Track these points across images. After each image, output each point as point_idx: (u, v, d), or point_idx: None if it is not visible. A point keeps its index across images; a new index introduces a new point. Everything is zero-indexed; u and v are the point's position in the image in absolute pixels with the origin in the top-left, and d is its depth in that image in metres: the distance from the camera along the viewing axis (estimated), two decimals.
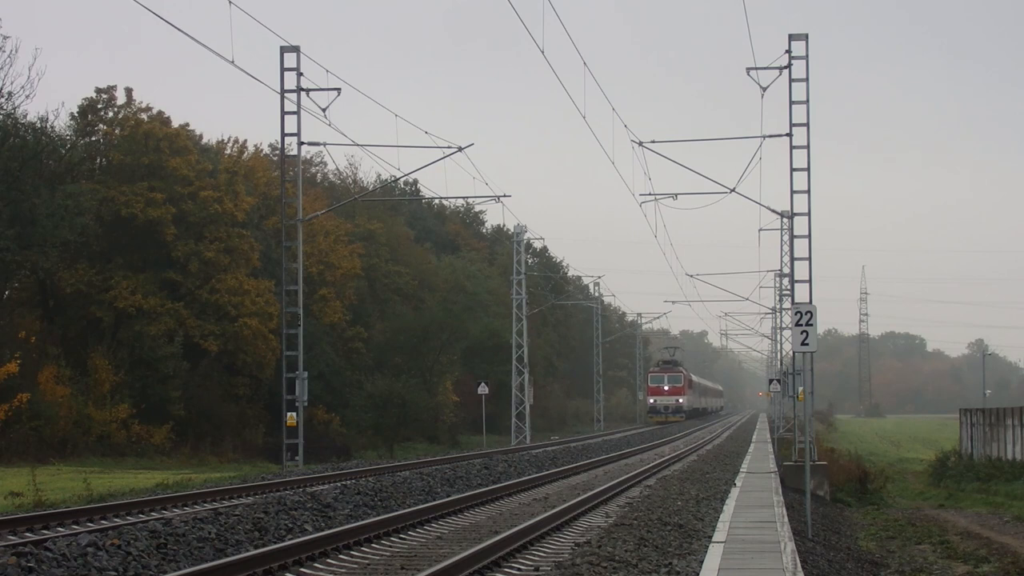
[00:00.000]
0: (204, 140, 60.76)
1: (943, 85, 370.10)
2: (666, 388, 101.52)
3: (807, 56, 35.25)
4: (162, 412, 48.64)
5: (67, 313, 51.18)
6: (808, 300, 34.72)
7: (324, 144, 44.10)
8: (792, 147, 35.49)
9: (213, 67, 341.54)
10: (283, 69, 39.57)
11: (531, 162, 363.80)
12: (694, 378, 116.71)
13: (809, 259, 35.56)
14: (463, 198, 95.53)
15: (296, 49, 39.26)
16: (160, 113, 52.26)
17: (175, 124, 52.80)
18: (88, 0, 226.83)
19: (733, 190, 39.16)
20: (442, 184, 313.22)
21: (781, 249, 65.44)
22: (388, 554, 16.27)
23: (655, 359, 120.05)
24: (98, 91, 51.37)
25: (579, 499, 22.73)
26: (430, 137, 41.68)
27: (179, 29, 57.64)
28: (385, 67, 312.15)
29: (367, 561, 15.56)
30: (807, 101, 35.42)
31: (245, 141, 61.11)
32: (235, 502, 22.71)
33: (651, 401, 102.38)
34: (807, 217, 35.71)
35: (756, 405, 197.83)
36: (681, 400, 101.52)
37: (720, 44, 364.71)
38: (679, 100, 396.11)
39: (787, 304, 63.20)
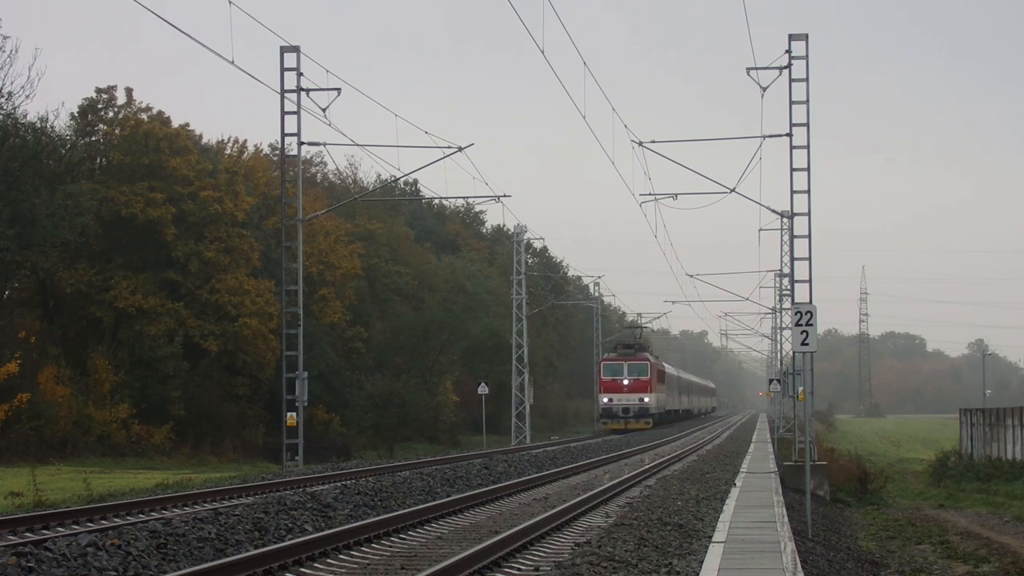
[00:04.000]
0: (204, 140, 60.86)
1: (943, 85, 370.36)
2: (625, 382, 74.97)
3: (807, 56, 35.26)
4: (162, 412, 48.65)
5: (67, 313, 51.19)
6: (808, 300, 34.72)
7: (324, 144, 44.11)
8: (792, 147, 35.49)
9: (213, 67, 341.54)
10: (283, 69, 39.54)
11: (531, 162, 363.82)
12: (668, 369, 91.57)
13: (809, 259, 35.58)
14: (463, 198, 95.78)
15: (296, 49, 39.25)
16: (160, 113, 52.35)
17: (175, 124, 52.88)
18: (88, 0, 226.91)
19: (733, 190, 39.17)
20: (442, 184, 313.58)
21: (781, 249, 65.50)
22: (388, 554, 16.27)
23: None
24: (98, 91, 51.45)
25: (579, 499, 22.72)
26: (430, 137, 41.71)
27: (179, 29, 57.69)
28: (385, 67, 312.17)
29: (367, 561, 15.55)
30: (807, 101, 35.42)
31: (245, 141, 61.21)
32: (235, 502, 22.70)
33: (604, 400, 75.49)
34: (807, 217, 35.72)
35: (756, 405, 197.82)
36: (647, 399, 74.87)
37: (720, 44, 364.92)
38: (679, 100, 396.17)
39: (787, 304, 63.21)
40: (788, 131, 35.59)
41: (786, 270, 63.32)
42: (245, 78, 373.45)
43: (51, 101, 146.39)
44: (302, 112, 39.67)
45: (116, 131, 51.53)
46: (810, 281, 35.48)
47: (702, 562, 13.98)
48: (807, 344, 24.09)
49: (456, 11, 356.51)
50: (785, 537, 16.43)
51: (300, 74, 39.31)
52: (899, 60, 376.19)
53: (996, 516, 35.09)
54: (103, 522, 19.45)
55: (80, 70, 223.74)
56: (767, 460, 38.41)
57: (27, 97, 47.81)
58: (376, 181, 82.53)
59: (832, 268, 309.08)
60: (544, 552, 16.53)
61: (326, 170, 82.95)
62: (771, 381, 77.63)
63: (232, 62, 31.41)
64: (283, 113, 40.02)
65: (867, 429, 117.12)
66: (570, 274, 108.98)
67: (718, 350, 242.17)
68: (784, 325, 73.49)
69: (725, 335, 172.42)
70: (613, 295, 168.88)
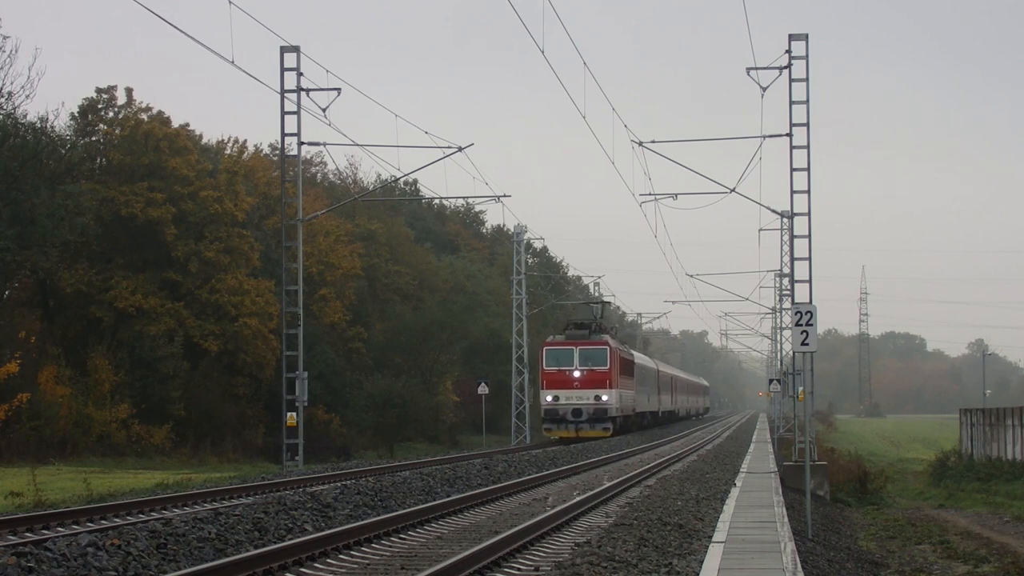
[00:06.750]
0: (204, 140, 60.90)
1: (943, 85, 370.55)
2: (576, 375, 56.41)
3: (807, 56, 35.27)
4: (162, 412, 48.64)
5: (67, 313, 51.19)
6: (808, 300, 34.72)
7: (324, 144, 44.03)
8: (792, 147, 35.50)
9: (213, 67, 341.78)
10: (283, 69, 39.53)
11: (531, 162, 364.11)
12: (640, 360, 70.48)
13: (809, 259, 35.59)
14: (463, 198, 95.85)
15: (296, 49, 39.23)
16: (160, 113, 52.33)
17: (175, 124, 52.86)
18: (88, 0, 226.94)
19: (733, 190, 39.18)
20: (442, 184, 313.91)
21: (781, 249, 65.45)
22: (388, 554, 16.27)
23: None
24: (98, 91, 51.43)
25: (579, 499, 22.71)
26: (430, 137, 41.73)
27: (179, 29, 57.72)
28: (385, 67, 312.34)
29: (367, 561, 15.55)
30: (807, 101, 35.43)
31: (245, 141, 61.31)
32: (235, 502, 22.71)
33: (548, 399, 56.91)
34: (807, 217, 35.74)
35: (756, 405, 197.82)
36: (606, 397, 56.09)
37: (720, 44, 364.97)
38: (679, 100, 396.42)
39: (787, 304, 63.20)
40: (788, 131, 35.62)
41: (786, 270, 63.34)
42: (245, 78, 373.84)
43: (51, 101, 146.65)
44: (302, 112, 39.70)
45: (116, 131, 51.51)
46: (810, 281, 35.52)
47: (702, 562, 13.98)
48: (807, 344, 24.09)
49: (456, 11, 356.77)
50: (785, 537, 16.42)
51: (300, 74, 39.32)
52: (899, 60, 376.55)
53: (996, 516, 35.11)
54: (103, 522, 19.45)
55: (80, 70, 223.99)
56: (767, 460, 38.40)
57: (27, 97, 48.01)
58: (376, 181, 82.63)
59: (832, 268, 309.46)
60: (544, 552, 16.53)
61: (326, 170, 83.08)
62: (771, 381, 77.66)
63: (232, 62, 31.51)
64: (283, 113, 40.02)
65: (867, 429, 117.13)
66: (570, 274, 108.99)
67: (718, 350, 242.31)
68: (784, 325, 73.52)
69: (725, 335, 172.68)
70: (613, 295, 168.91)
